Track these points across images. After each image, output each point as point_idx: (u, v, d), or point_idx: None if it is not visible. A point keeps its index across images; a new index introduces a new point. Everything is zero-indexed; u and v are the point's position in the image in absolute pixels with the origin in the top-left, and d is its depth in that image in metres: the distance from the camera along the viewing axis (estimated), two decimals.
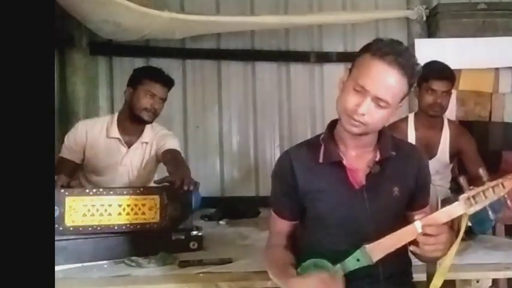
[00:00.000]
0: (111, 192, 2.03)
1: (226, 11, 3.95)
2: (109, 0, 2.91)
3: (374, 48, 1.31)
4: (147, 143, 2.58)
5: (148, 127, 2.58)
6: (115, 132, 2.54)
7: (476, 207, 1.27)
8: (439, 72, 2.60)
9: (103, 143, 2.53)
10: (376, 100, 1.30)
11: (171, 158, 2.42)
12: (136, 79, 2.53)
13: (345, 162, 1.40)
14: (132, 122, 2.54)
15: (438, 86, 2.57)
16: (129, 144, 2.56)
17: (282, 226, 1.51)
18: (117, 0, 2.90)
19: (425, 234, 1.26)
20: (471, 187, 1.26)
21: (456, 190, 2.71)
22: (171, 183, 2.04)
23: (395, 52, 1.29)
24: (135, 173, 2.57)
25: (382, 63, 1.29)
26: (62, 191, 1.96)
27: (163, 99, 2.54)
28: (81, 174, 2.58)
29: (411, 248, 1.32)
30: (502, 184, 1.25)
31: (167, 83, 2.55)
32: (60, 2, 2.89)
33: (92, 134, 2.53)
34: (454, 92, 2.99)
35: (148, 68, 2.77)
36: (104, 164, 2.53)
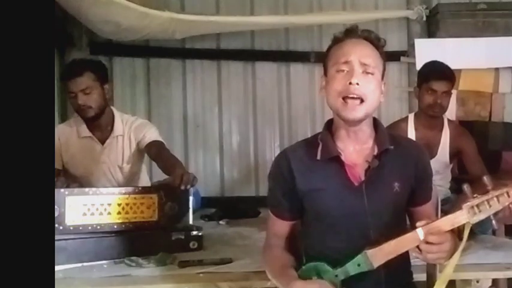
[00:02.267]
0: (110, 192, 2.05)
1: (226, 11, 3.95)
2: (109, 0, 2.91)
3: (337, 37, 1.41)
4: (122, 136, 2.51)
5: (118, 120, 2.51)
6: (85, 131, 2.49)
7: (480, 216, 1.24)
8: (439, 72, 2.60)
9: (77, 144, 2.50)
10: (363, 66, 1.34)
11: (157, 153, 2.38)
12: (64, 85, 2.42)
13: (343, 157, 1.39)
14: (92, 120, 2.45)
15: (438, 86, 2.57)
16: (102, 141, 2.51)
17: (281, 226, 1.49)
18: (117, 0, 2.90)
19: (427, 242, 1.24)
20: (475, 195, 1.23)
21: (456, 190, 2.71)
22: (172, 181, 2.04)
23: (357, 30, 1.41)
24: (116, 168, 2.53)
25: (351, 39, 1.39)
26: (62, 190, 1.98)
27: (89, 88, 2.34)
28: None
29: (413, 253, 1.30)
30: (507, 193, 1.22)
31: (78, 72, 2.34)
32: (60, 2, 2.89)
33: (64, 137, 2.49)
34: (454, 92, 2.99)
35: (64, 69, 2.65)
36: (83, 165, 2.50)
